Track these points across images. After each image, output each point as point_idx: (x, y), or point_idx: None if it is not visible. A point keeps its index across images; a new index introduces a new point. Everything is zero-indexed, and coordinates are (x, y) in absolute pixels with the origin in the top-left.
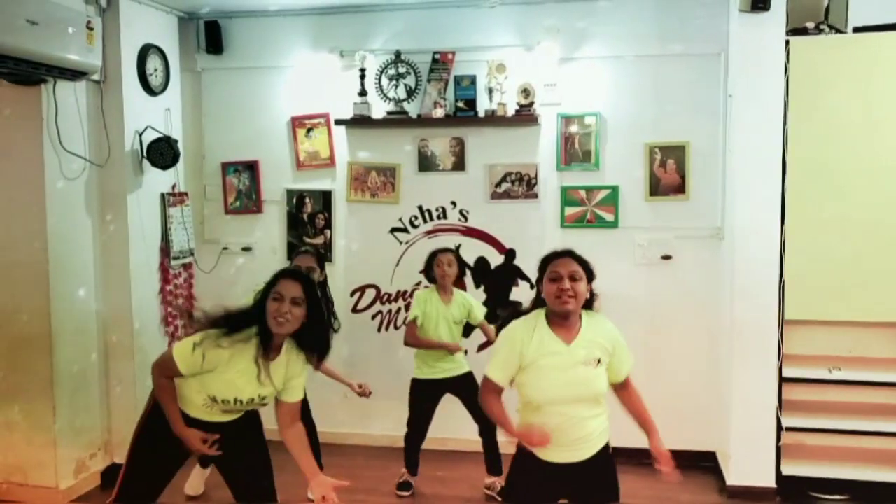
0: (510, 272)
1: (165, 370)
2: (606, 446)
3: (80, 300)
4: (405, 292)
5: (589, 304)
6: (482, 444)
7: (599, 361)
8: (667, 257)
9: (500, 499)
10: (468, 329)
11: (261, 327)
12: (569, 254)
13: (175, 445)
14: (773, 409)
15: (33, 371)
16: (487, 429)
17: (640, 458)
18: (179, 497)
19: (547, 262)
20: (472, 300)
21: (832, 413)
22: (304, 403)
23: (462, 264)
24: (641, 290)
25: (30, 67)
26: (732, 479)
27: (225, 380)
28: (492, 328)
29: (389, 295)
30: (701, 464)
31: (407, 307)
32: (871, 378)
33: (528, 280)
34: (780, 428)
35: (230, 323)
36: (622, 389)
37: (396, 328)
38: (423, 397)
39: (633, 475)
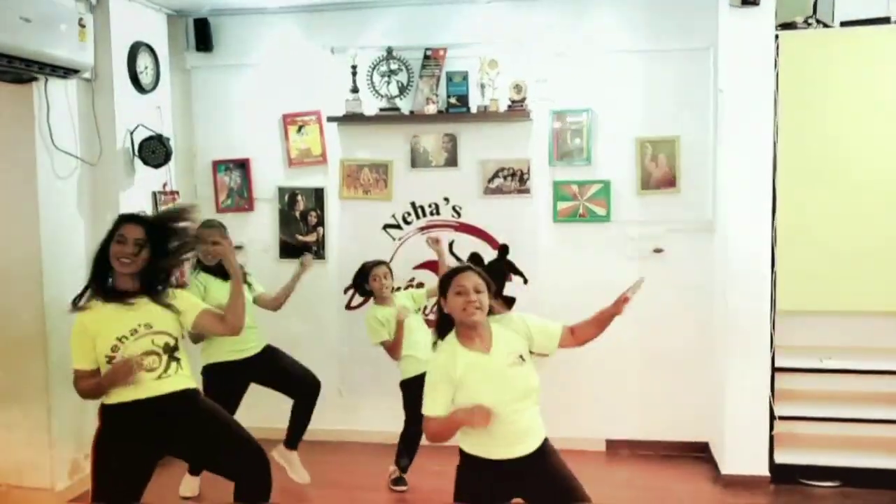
0: (503, 267)
1: (80, 379)
2: (546, 440)
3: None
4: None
5: (491, 312)
6: None
7: (522, 358)
8: (658, 250)
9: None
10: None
11: (105, 270)
12: (469, 268)
13: (132, 459)
14: (767, 399)
15: (28, 372)
16: None
17: (633, 450)
18: (175, 498)
19: (449, 278)
20: (401, 292)
21: (823, 402)
22: (296, 362)
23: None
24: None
25: (23, 65)
26: (727, 468)
27: (107, 328)
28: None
29: None
30: (694, 454)
31: None
32: (862, 367)
33: (521, 275)
34: (772, 417)
35: (92, 278)
36: (573, 336)
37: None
38: (413, 395)
39: (627, 466)
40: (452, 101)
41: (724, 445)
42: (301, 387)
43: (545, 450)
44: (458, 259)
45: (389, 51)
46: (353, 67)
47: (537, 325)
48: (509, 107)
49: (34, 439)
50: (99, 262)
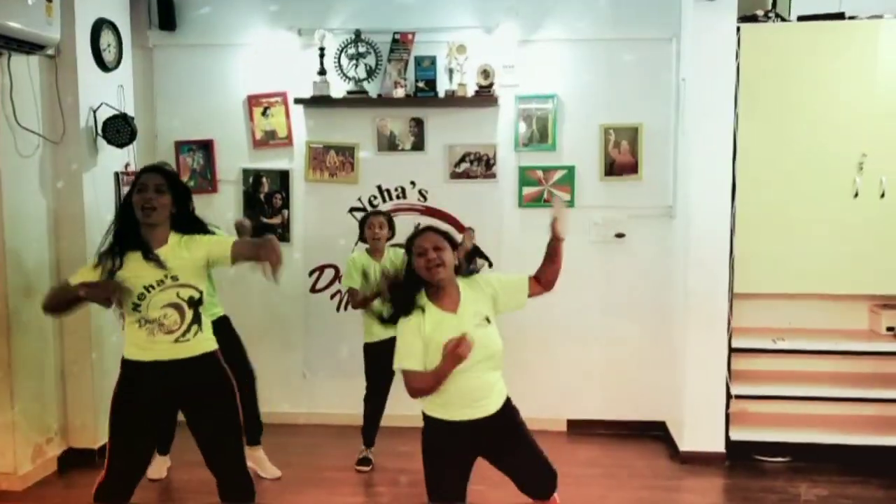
0: (469, 251)
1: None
2: (508, 400)
3: (35, 283)
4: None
5: (459, 271)
6: None
7: (488, 319)
8: (620, 235)
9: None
10: None
11: (131, 222)
12: (429, 229)
13: (143, 409)
14: (724, 379)
15: None
16: None
17: (593, 429)
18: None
19: (411, 241)
20: (401, 252)
21: (775, 381)
22: (240, 347)
23: (393, 226)
24: (596, 267)
25: None
26: (685, 445)
27: (134, 276)
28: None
29: None
30: (652, 433)
31: None
32: (812, 347)
33: (486, 258)
34: (729, 396)
35: (116, 233)
36: (538, 282)
37: (355, 308)
38: (375, 360)
39: (588, 445)
40: (420, 85)
41: (682, 424)
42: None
43: (507, 412)
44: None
45: (358, 34)
46: (321, 49)
47: (503, 282)
48: (477, 92)
49: None
50: (123, 217)
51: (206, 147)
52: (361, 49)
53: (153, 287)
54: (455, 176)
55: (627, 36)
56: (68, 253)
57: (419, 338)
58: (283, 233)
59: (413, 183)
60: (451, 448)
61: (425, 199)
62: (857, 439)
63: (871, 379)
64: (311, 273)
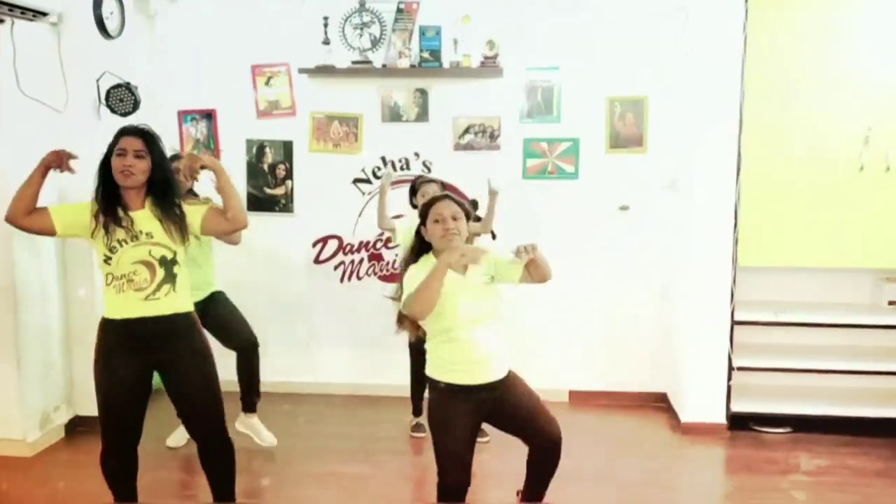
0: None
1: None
2: (512, 372)
3: (42, 252)
4: (368, 243)
5: (468, 241)
6: None
7: (493, 279)
8: (624, 208)
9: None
10: None
11: (109, 185)
12: (447, 197)
13: (121, 369)
14: (726, 351)
15: None
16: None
17: (595, 400)
18: (162, 448)
19: (428, 206)
20: None
21: (776, 353)
22: (238, 318)
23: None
24: (600, 239)
25: None
26: (686, 416)
27: (100, 238)
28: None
29: (352, 245)
30: (653, 404)
31: (371, 258)
32: (812, 320)
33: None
34: (731, 368)
35: (97, 192)
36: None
37: (359, 279)
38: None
39: (590, 415)
40: (425, 55)
41: (684, 395)
42: (237, 342)
43: (511, 380)
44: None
45: (362, 3)
46: (325, 19)
47: (498, 260)
48: (482, 63)
49: (4, 392)
50: (103, 178)
51: (209, 117)
52: (366, 18)
53: (126, 242)
54: (459, 147)
55: (634, 8)
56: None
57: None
58: (287, 203)
59: (417, 154)
60: (457, 411)
61: (429, 170)
62: (857, 411)
63: (872, 351)
64: (314, 244)
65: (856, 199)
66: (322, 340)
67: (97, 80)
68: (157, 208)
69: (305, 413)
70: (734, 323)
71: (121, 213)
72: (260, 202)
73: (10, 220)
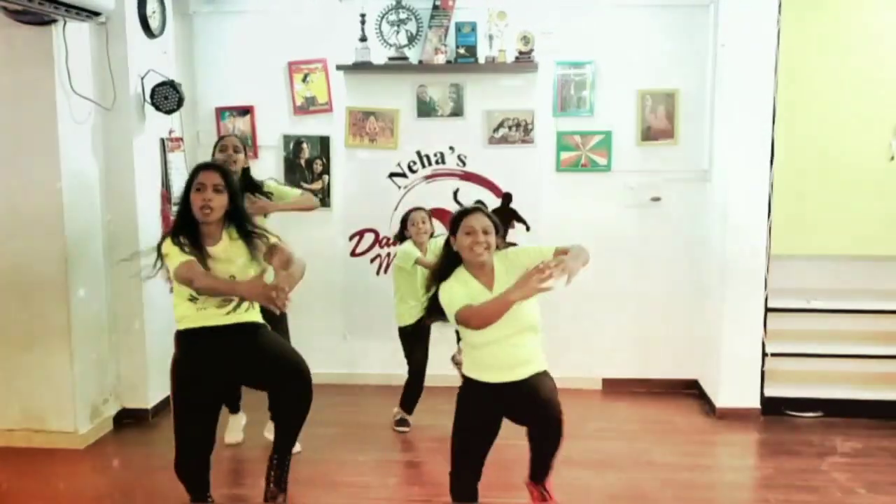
0: (507, 215)
1: (189, 271)
2: (545, 372)
3: (89, 247)
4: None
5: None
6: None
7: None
8: (656, 199)
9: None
10: None
11: (189, 219)
12: (479, 210)
13: (206, 382)
14: (760, 338)
15: (50, 317)
16: None
17: (628, 387)
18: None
19: (460, 218)
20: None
21: (808, 339)
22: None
23: (431, 221)
24: (632, 230)
25: (51, 6)
26: (721, 401)
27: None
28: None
29: (388, 239)
30: (685, 391)
31: None
32: (844, 307)
33: (524, 222)
34: (764, 354)
35: (179, 225)
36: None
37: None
38: (407, 341)
39: (625, 402)
40: (461, 51)
41: (718, 381)
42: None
43: (537, 378)
44: (460, 205)
45: (399, 0)
46: (362, 16)
47: (532, 256)
48: (517, 58)
49: (57, 384)
50: (183, 215)
51: (246, 113)
52: (402, 16)
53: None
54: (493, 141)
55: (665, 2)
56: (120, 219)
57: (462, 286)
58: (324, 198)
59: (452, 148)
60: (480, 404)
61: (464, 164)
62: (889, 394)
63: None
64: (350, 237)
65: (886, 189)
66: (358, 332)
67: (142, 78)
68: (236, 240)
69: (342, 402)
70: (767, 310)
71: (203, 255)
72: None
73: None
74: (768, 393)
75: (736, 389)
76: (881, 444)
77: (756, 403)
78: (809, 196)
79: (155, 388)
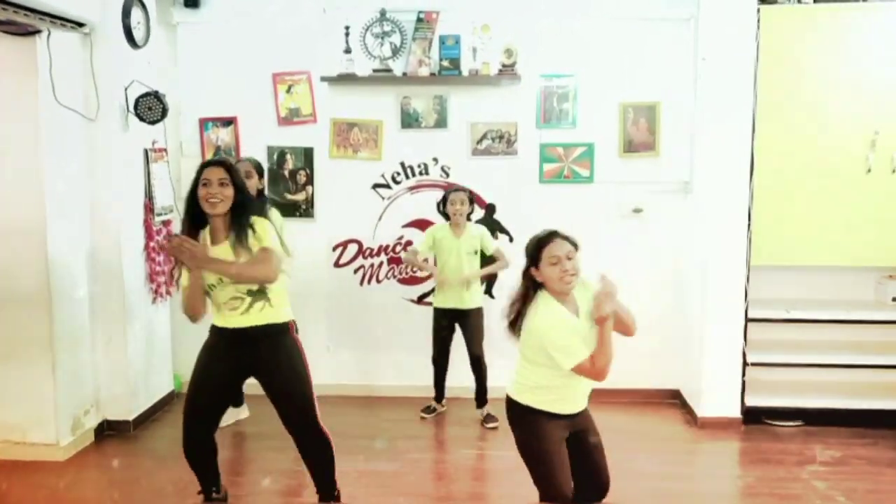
0: (490, 226)
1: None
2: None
3: (73, 259)
4: (387, 247)
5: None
6: (474, 378)
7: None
8: (638, 210)
9: (488, 425)
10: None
11: (197, 215)
12: (556, 234)
13: (217, 366)
14: (741, 348)
15: (32, 329)
16: (478, 366)
17: (610, 398)
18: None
19: (541, 247)
20: (485, 231)
21: (787, 349)
22: None
23: (473, 202)
24: (614, 241)
25: (36, 17)
26: (703, 411)
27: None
28: (502, 252)
29: (371, 250)
30: (667, 401)
31: (390, 261)
32: (822, 317)
33: (507, 233)
34: (745, 364)
35: (189, 219)
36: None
37: (378, 282)
38: (439, 321)
39: (607, 412)
40: (444, 63)
41: (700, 391)
42: None
43: (587, 408)
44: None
45: (383, 13)
46: (347, 28)
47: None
48: (500, 70)
49: (37, 395)
50: (190, 209)
51: (230, 124)
52: (387, 28)
53: (214, 286)
54: (477, 153)
55: (647, 16)
56: (102, 230)
57: (562, 322)
58: (307, 209)
59: (436, 160)
60: (557, 436)
61: (448, 175)
62: (867, 403)
63: (879, 346)
64: (334, 248)
65: (863, 200)
66: (341, 343)
67: (126, 89)
68: (235, 237)
69: (327, 414)
70: (748, 320)
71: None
72: (281, 208)
73: (197, 320)
74: (749, 402)
75: (717, 399)
76: (859, 452)
77: (737, 413)
78: (789, 207)
79: (136, 399)
